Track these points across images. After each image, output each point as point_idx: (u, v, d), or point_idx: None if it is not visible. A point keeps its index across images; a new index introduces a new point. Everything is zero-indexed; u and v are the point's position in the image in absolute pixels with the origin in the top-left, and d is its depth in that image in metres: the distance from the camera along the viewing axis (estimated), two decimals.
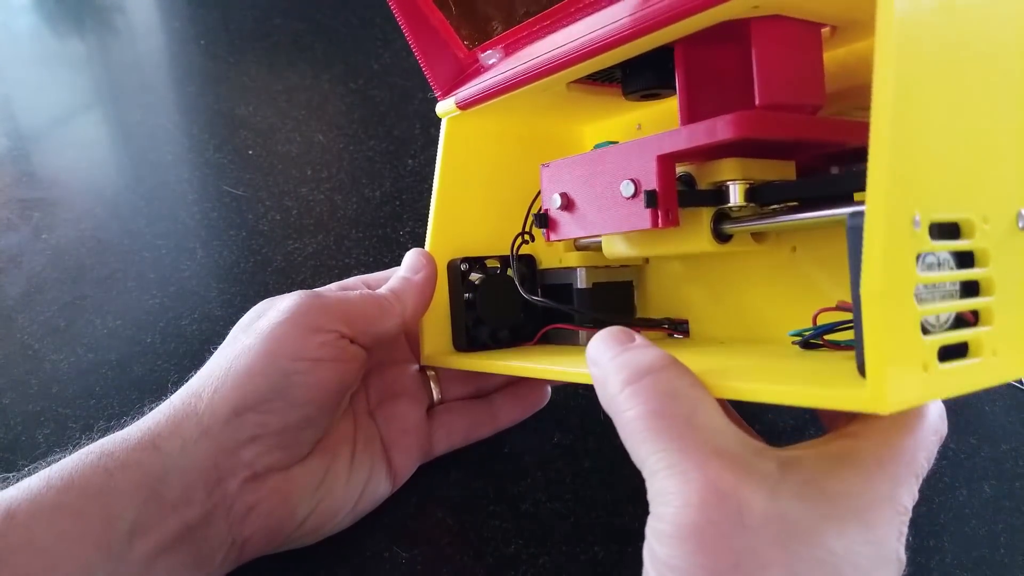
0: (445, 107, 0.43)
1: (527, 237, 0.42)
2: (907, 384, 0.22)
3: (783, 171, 0.35)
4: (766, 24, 0.31)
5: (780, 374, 0.28)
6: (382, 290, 0.39)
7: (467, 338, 0.42)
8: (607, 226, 0.36)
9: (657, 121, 0.44)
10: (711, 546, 0.22)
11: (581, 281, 0.43)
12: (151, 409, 0.34)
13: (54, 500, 0.30)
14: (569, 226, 0.38)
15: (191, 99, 0.82)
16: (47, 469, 0.31)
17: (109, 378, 0.48)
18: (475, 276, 0.42)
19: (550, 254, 0.45)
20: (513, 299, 0.42)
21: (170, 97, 0.83)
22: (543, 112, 0.45)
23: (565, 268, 0.44)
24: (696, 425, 0.25)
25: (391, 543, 0.37)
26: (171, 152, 0.73)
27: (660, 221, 0.33)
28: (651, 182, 0.33)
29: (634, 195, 0.34)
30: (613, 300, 0.44)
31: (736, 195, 0.34)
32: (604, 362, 0.28)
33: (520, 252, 0.43)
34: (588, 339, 0.42)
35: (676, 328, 0.43)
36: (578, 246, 0.44)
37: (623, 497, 0.39)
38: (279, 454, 0.35)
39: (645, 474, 0.25)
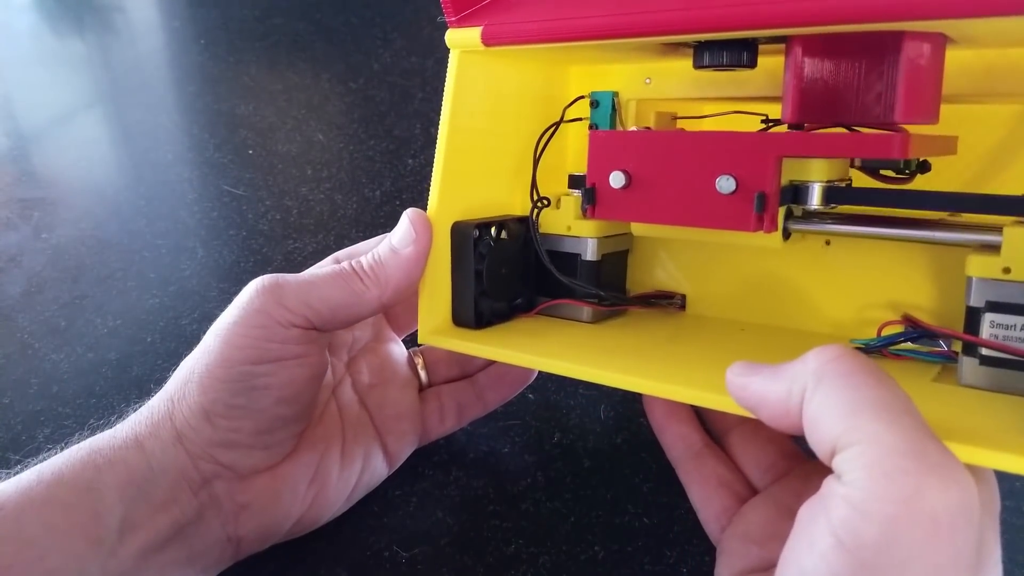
0: (464, 38, 0.35)
1: (542, 203, 0.38)
2: None
3: (843, 170, 0.34)
4: (920, 40, 0.28)
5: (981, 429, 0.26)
6: (364, 260, 0.35)
7: (475, 313, 0.37)
8: (686, 218, 0.32)
9: (667, 77, 0.39)
10: (947, 537, 0.21)
11: (592, 253, 0.38)
12: (135, 409, 0.34)
13: (44, 494, 0.30)
14: (629, 209, 0.33)
15: (191, 99, 0.82)
16: (38, 464, 0.31)
17: (109, 378, 0.48)
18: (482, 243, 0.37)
19: (553, 218, 0.39)
20: (516, 269, 0.38)
21: (170, 97, 0.83)
22: (564, 56, 0.39)
23: (573, 237, 0.39)
24: (914, 409, 0.23)
25: (391, 543, 0.37)
26: (171, 151, 0.73)
27: (765, 226, 0.30)
28: (763, 184, 0.30)
29: (735, 192, 0.30)
30: (611, 270, 0.40)
31: (816, 196, 0.32)
32: (766, 370, 0.26)
33: (516, 215, 0.39)
34: (592, 315, 0.39)
35: (673, 302, 0.41)
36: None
37: (623, 496, 0.39)
38: (260, 454, 0.34)
39: (847, 443, 0.22)
